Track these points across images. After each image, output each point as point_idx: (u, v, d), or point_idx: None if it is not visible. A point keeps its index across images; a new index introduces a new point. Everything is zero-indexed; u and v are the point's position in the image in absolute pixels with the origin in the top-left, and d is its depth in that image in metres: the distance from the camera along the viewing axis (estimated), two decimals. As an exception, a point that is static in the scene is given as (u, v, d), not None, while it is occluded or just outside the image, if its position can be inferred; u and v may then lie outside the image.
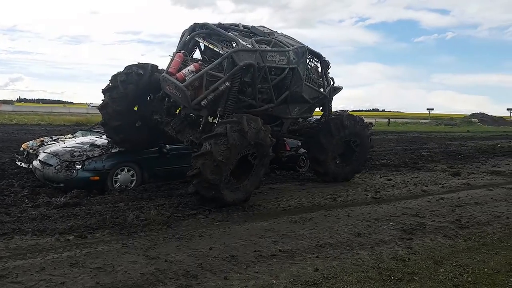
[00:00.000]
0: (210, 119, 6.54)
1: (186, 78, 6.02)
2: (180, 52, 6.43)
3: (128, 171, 7.13)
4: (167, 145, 7.68)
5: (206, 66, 6.13)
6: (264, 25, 7.66)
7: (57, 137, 9.31)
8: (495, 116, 66.00)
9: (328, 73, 8.34)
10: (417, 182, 9.13)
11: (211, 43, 6.54)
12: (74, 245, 4.29)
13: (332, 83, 8.54)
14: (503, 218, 6.04)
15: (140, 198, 6.38)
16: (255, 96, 6.65)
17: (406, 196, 7.63)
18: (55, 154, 7.11)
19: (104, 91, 6.74)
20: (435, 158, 13.96)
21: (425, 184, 8.85)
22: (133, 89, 6.61)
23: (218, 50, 6.36)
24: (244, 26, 7.30)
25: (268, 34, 7.17)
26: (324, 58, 8.07)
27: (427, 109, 77.58)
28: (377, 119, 49.80)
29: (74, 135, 9.35)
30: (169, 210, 5.68)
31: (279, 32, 7.75)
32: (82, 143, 7.79)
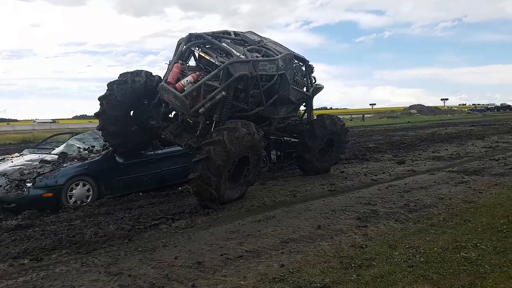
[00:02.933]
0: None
1: (185, 88, 6.40)
2: (177, 63, 6.81)
3: (83, 185, 6.91)
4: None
5: (203, 77, 6.56)
6: (253, 31, 8.33)
7: (3, 156, 8.83)
8: (431, 106, 70.83)
9: (312, 74, 9.12)
10: (367, 172, 9.61)
11: (207, 54, 6.95)
12: (29, 269, 4.12)
13: (314, 81, 9.26)
14: (446, 199, 6.52)
15: (97, 213, 6.22)
16: (247, 101, 7.21)
17: (358, 186, 8.02)
18: (3, 174, 6.77)
19: (101, 98, 6.98)
20: (381, 148, 14.75)
21: (374, 174, 9.34)
22: (129, 96, 6.92)
23: (213, 61, 6.80)
24: (235, 33, 7.76)
25: (258, 42, 7.79)
26: (308, 61, 8.85)
27: (370, 104, 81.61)
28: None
29: (21, 153, 8.91)
30: (129, 223, 5.58)
31: (267, 38, 8.33)
32: (31, 160, 7.49)
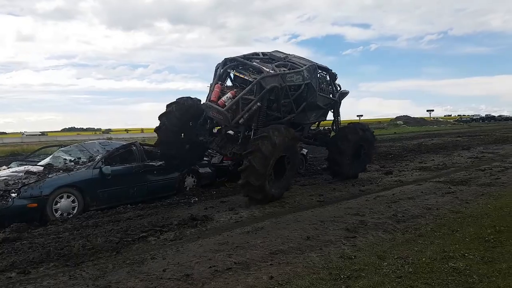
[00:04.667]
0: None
1: (226, 104, 7.43)
2: (218, 84, 7.86)
3: (68, 197, 6.83)
4: (108, 166, 7.48)
5: (239, 92, 7.57)
6: (279, 50, 9.37)
7: None
8: (418, 117, 72.02)
9: (336, 80, 10.05)
10: (355, 182, 9.67)
11: (240, 73, 8.02)
12: (17, 283, 4.04)
13: (339, 88, 10.20)
14: (434, 209, 6.60)
15: (85, 225, 6.13)
16: (280, 110, 8.31)
17: (347, 196, 8.07)
18: None
19: (161, 116, 8.26)
20: (370, 158, 14.80)
21: (362, 184, 9.41)
22: (183, 115, 8.23)
23: (247, 78, 7.78)
24: (263, 54, 8.83)
25: (284, 58, 8.78)
26: (331, 70, 9.76)
27: (357, 116, 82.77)
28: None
29: (8, 166, 8.77)
30: (117, 236, 5.51)
31: (291, 54, 9.42)
32: (16, 171, 7.41)
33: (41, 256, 4.75)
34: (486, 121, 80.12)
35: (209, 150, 9.40)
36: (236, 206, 7.38)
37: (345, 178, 9.88)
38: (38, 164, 7.97)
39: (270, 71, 7.78)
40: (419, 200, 7.41)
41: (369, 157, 10.70)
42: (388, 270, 4.01)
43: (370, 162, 11.17)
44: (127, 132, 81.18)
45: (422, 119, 71.76)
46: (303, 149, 12.47)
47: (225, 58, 8.16)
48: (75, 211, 6.86)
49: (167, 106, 8.33)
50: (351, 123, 10.80)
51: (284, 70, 8.14)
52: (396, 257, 4.38)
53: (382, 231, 5.45)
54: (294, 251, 4.73)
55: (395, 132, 39.94)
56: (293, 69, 8.34)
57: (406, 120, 67.17)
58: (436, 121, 73.57)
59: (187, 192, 8.85)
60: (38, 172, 7.10)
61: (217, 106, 7.46)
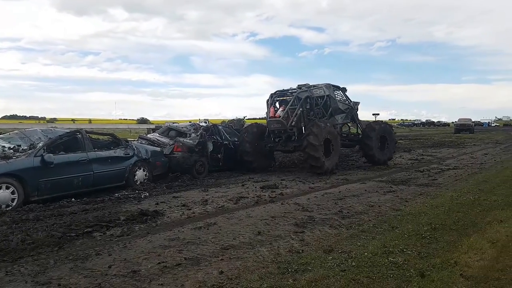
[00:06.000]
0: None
1: (280, 115, 11.54)
2: (271, 107, 11.97)
3: (7, 188, 6.40)
4: (51, 154, 7.11)
5: (286, 107, 11.63)
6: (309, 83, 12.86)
7: None
8: (364, 121, 75.29)
9: (346, 92, 13.61)
10: (305, 180, 9.95)
11: (283, 96, 12.08)
12: None
13: (351, 101, 13.72)
14: (376, 207, 6.94)
15: (26, 219, 5.80)
16: (316, 115, 11.93)
17: (297, 193, 8.28)
18: None
19: (243, 132, 12.44)
20: (319, 157, 15.27)
21: (312, 182, 9.70)
22: (256, 132, 12.11)
23: (286, 98, 11.88)
24: (297, 86, 12.43)
25: (304, 85, 12.37)
26: (343, 87, 13.43)
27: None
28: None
29: None
30: (60, 230, 5.27)
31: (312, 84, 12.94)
32: None
33: (-24, 251, 4.43)
34: (426, 125, 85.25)
35: (163, 140, 11.07)
36: (189, 201, 7.31)
37: (378, 164, 12.86)
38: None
39: (302, 91, 11.86)
40: (363, 197, 7.75)
41: (392, 146, 13.59)
42: (333, 263, 4.17)
43: (394, 150, 14.16)
44: (74, 122, 77.48)
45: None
46: None
47: (271, 93, 12.26)
48: (14, 203, 6.46)
49: (245, 127, 13.62)
50: (369, 122, 14.36)
51: (311, 87, 12.26)
52: (340, 251, 4.56)
53: (328, 226, 5.66)
54: (245, 246, 4.78)
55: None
56: (315, 87, 12.42)
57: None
58: (381, 123, 77.05)
59: (137, 187, 8.65)
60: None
61: (275, 119, 11.62)
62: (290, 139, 11.64)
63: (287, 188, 8.89)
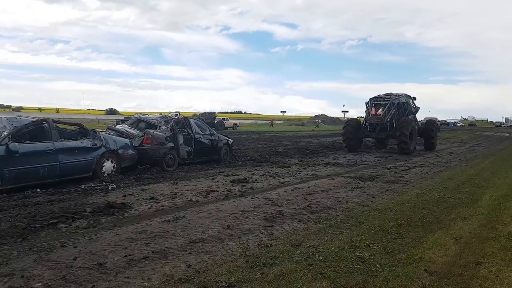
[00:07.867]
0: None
1: (380, 114, 17.46)
2: (372, 108, 17.91)
3: None
4: (16, 143, 6.86)
5: (384, 109, 17.53)
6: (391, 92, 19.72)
7: None
8: (334, 117, 77.44)
9: (415, 100, 20.30)
10: (275, 175, 10.02)
11: (379, 101, 18.24)
12: None
13: (415, 105, 20.23)
14: (344, 202, 7.08)
15: (-14, 209, 5.55)
16: (400, 114, 17.98)
17: (267, 188, 8.33)
18: None
19: (347, 124, 18.96)
20: (289, 153, 15.51)
21: (282, 177, 9.78)
22: (354, 125, 18.38)
23: (381, 102, 18.14)
24: (384, 94, 18.93)
25: (390, 93, 18.85)
26: (414, 97, 19.93)
27: (281, 112, 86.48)
28: (240, 121, 59.44)
29: None
30: (24, 221, 5.10)
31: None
32: None
33: None
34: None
35: (132, 132, 10.87)
36: (157, 194, 7.22)
37: (433, 149, 19.40)
38: None
39: (394, 98, 18.20)
40: (331, 193, 7.88)
41: (432, 138, 19.40)
42: (301, 258, 4.24)
43: (433, 140, 19.55)
44: (41, 111, 74.79)
45: (337, 119, 76.85)
46: (229, 139, 12.88)
47: (370, 98, 18.33)
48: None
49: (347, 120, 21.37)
50: (428, 119, 23.65)
51: (398, 95, 18.56)
52: (308, 245, 4.63)
53: (297, 221, 5.73)
54: (214, 239, 4.78)
55: (313, 130, 41.96)
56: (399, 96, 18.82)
57: (324, 119, 71.40)
58: (349, 121, 79.14)
59: (105, 179, 8.45)
60: None
61: (376, 116, 17.45)
62: (384, 130, 17.61)
63: (257, 182, 8.93)
